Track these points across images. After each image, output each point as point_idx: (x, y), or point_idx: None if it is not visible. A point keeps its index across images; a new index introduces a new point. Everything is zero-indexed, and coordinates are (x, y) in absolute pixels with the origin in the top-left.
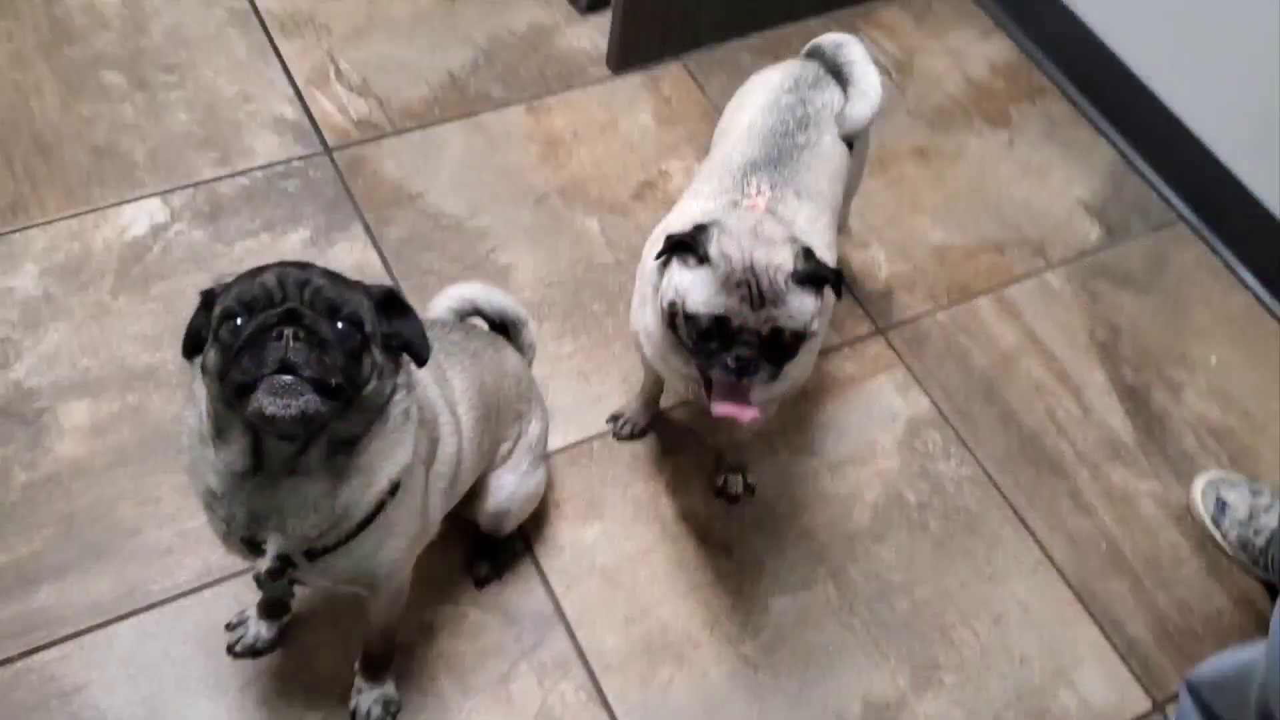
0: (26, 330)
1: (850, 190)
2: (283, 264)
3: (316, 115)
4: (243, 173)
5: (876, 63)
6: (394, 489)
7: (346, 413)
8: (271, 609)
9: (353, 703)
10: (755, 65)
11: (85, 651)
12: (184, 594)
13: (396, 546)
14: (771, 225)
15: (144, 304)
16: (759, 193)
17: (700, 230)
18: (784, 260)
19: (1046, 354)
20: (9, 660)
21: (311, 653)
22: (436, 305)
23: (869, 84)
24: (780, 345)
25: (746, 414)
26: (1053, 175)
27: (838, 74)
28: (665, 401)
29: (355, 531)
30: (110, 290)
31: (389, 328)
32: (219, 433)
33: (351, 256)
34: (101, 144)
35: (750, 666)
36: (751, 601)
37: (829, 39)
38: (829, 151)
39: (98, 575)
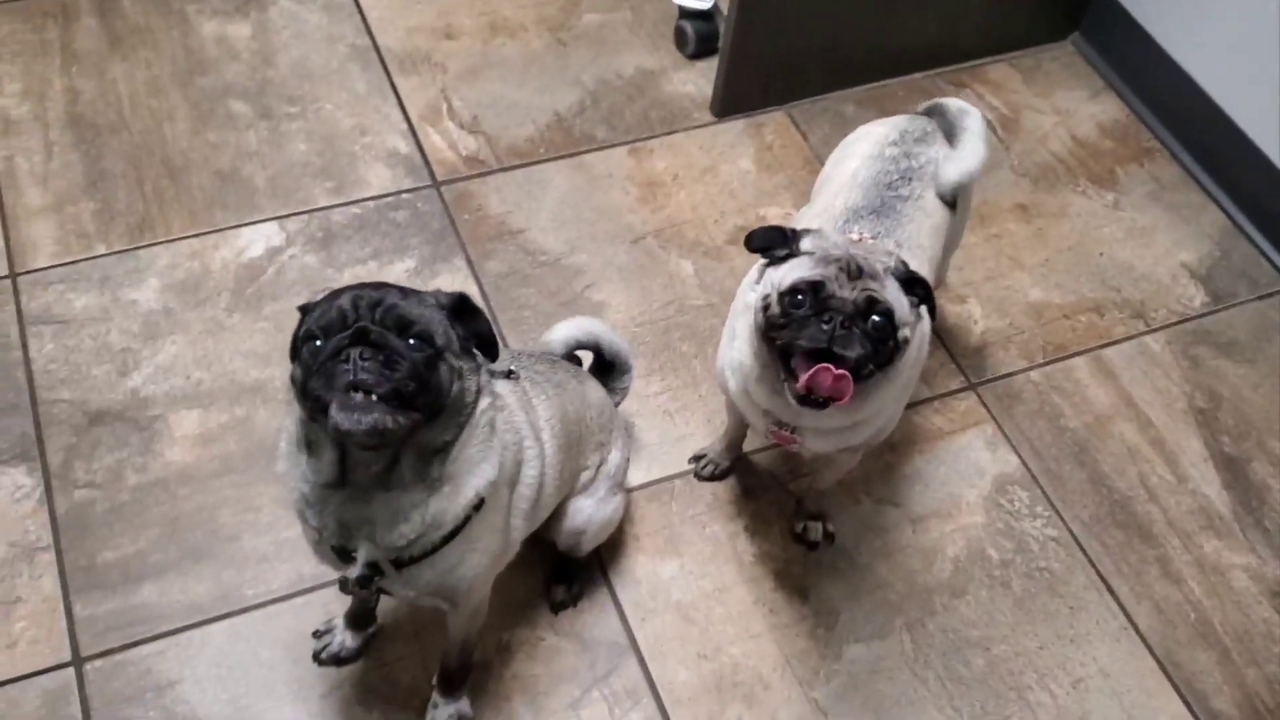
0: (146, 341)
1: (950, 246)
2: (361, 285)
3: (428, 150)
4: (355, 202)
5: (987, 124)
6: (479, 504)
7: (434, 421)
8: (358, 620)
9: (429, 717)
10: (859, 117)
11: (180, 649)
12: (276, 600)
13: (478, 562)
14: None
15: (256, 322)
16: (859, 239)
17: (801, 230)
18: (882, 258)
19: (1142, 418)
20: (110, 652)
21: (393, 665)
22: (558, 331)
23: (970, 151)
24: (874, 321)
25: (829, 381)
26: (1158, 238)
27: (952, 137)
28: (748, 445)
29: (441, 544)
30: (225, 307)
31: (464, 330)
32: (310, 445)
33: (453, 287)
34: (226, 169)
35: (820, 711)
36: (825, 647)
37: (954, 103)
38: (932, 206)
39: (196, 577)
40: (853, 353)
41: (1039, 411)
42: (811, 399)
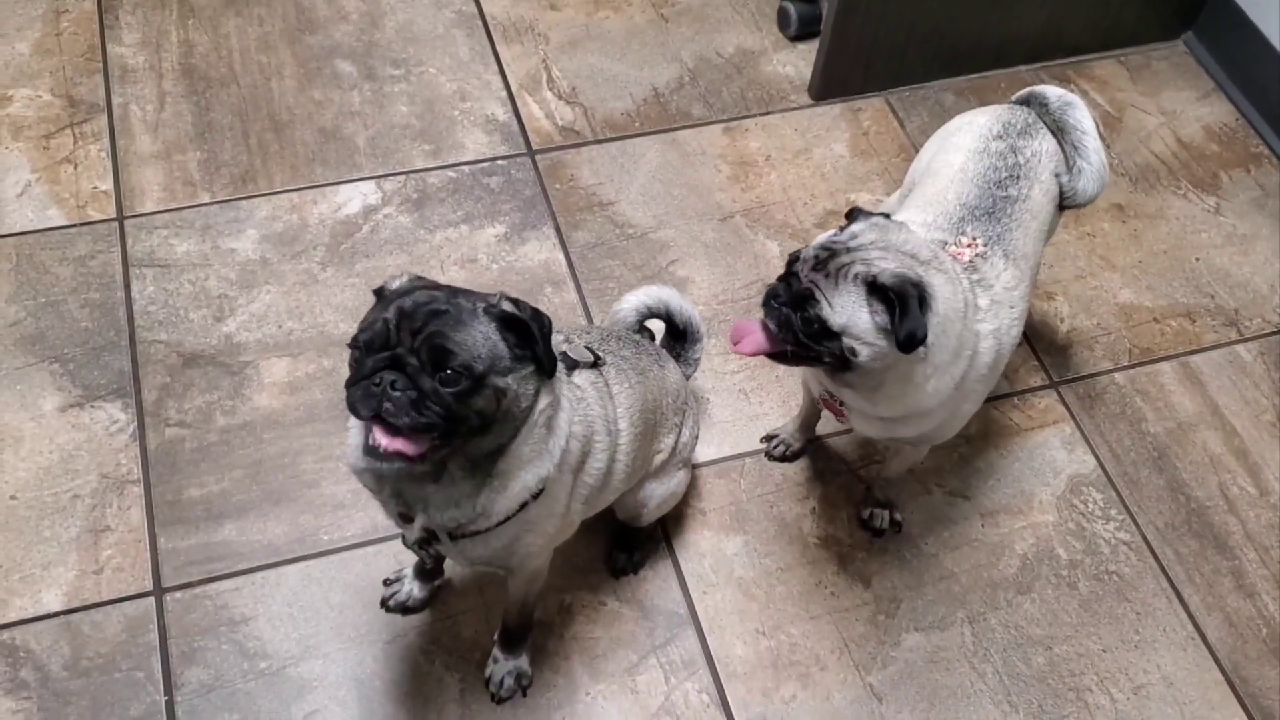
0: (242, 289)
1: (1048, 240)
2: (417, 289)
3: (525, 118)
4: (451, 166)
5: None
6: (535, 495)
7: (481, 434)
8: (426, 572)
9: (488, 671)
10: (959, 107)
11: (256, 587)
12: (350, 547)
13: (533, 541)
14: (913, 243)
15: (348, 278)
16: (970, 245)
17: (891, 217)
18: (880, 266)
19: (1227, 428)
20: (189, 585)
21: (457, 618)
22: (629, 300)
23: (1098, 160)
24: (803, 316)
25: (741, 338)
26: (1258, 246)
27: (1061, 133)
28: (821, 429)
29: (494, 526)
30: (320, 261)
31: (519, 344)
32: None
33: (540, 255)
34: (328, 127)
35: (875, 697)
36: (884, 633)
37: (1054, 93)
38: (1037, 206)
39: (275, 519)
40: (783, 335)
41: (1120, 414)
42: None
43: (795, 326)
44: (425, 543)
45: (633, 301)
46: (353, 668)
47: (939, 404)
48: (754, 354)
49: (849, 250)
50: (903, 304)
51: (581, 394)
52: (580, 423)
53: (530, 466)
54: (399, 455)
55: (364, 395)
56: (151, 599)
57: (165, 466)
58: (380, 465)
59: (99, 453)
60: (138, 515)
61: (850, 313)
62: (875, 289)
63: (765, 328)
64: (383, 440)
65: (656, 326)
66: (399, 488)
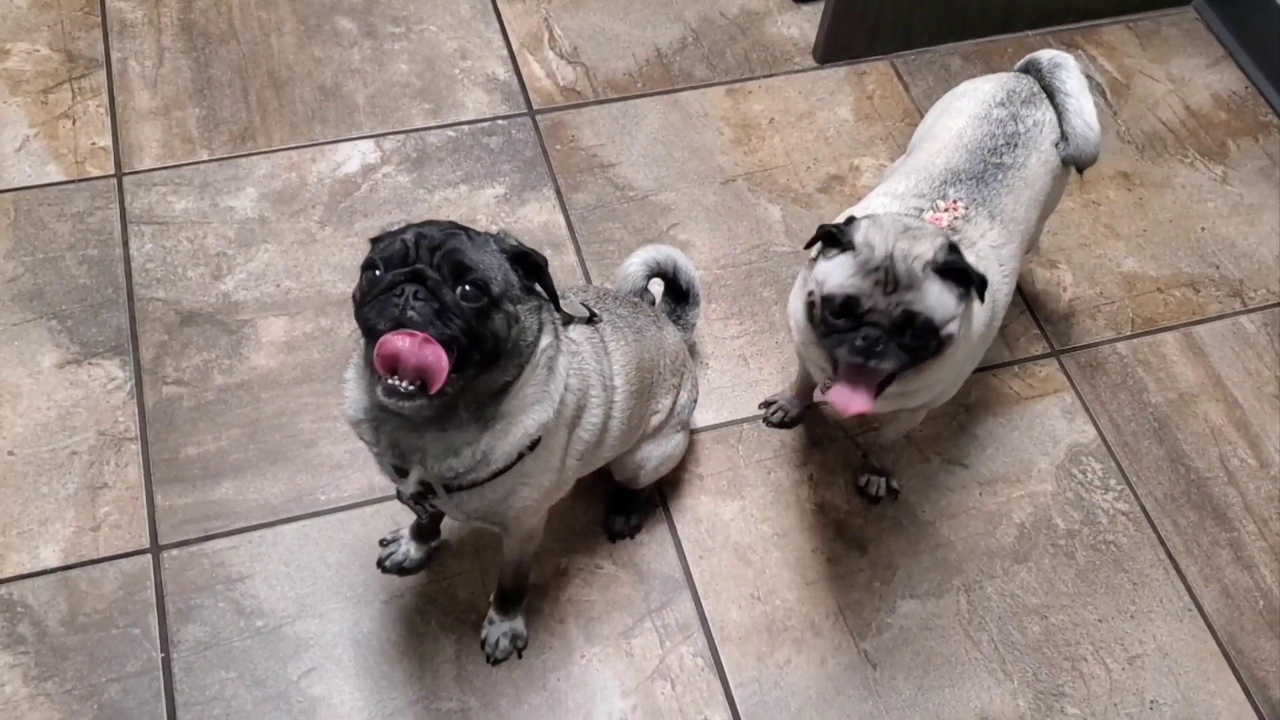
0: (240, 248)
1: (1047, 211)
2: (429, 223)
3: (526, 78)
4: (451, 125)
5: (1090, 79)
6: (534, 444)
7: (492, 366)
8: (422, 532)
9: (484, 632)
10: (965, 72)
11: (253, 546)
12: (347, 507)
13: (528, 495)
14: (926, 225)
15: (346, 237)
16: (950, 208)
17: (850, 220)
18: (926, 250)
19: (1229, 399)
20: (186, 543)
21: (453, 579)
22: (636, 257)
23: (1080, 123)
24: (912, 333)
25: (856, 404)
26: (1264, 216)
27: (1050, 95)
28: (819, 394)
29: (491, 477)
30: (318, 220)
31: (525, 274)
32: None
33: (540, 217)
34: (328, 85)
35: (869, 663)
36: (879, 600)
37: (1046, 55)
38: (1033, 174)
39: (273, 478)
40: (888, 366)
41: (1121, 384)
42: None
43: (901, 351)
44: (421, 497)
45: (643, 257)
46: (349, 627)
47: (952, 370)
48: (867, 410)
49: (903, 254)
50: (964, 264)
51: (577, 348)
52: (576, 375)
53: (532, 410)
54: (420, 391)
55: (383, 308)
56: (148, 556)
57: (163, 424)
58: (402, 405)
59: (97, 410)
60: (135, 473)
61: (942, 301)
62: (940, 270)
63: (856, 382)
64: (405, 342)
65: (656, 289)
66: (396, 438)
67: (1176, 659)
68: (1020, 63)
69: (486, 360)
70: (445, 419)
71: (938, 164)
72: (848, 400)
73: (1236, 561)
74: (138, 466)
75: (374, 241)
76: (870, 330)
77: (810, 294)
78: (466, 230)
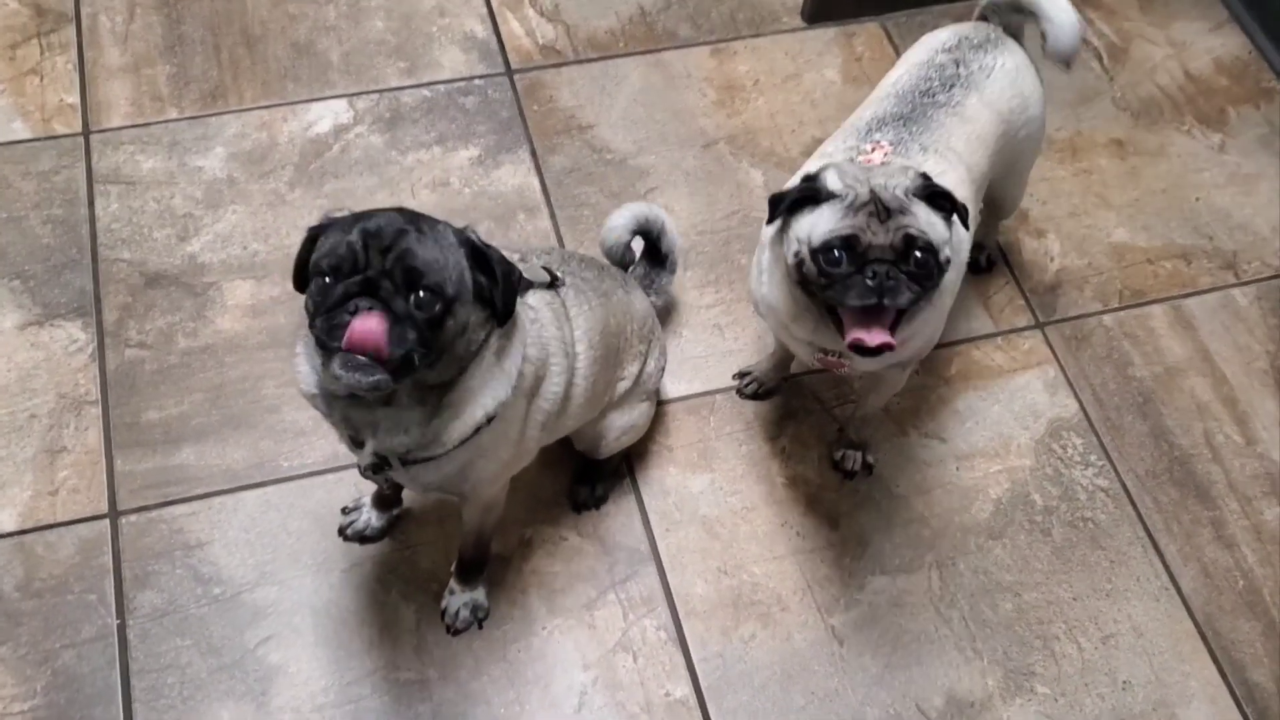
0: (208, 209)
1: (1022, 166)
2: (376, 213)
3: (504, 36)
4: (426, 85)
5: (1086, 44)
6: (489, 419)
7: (432, 367)
8: (384, 501)
9: (444, 602)
10: None
11: (213, 512)
12: (309, 475)
13: (486, 467)
14: (889, 163)
15: (316, 199)
16: (876, 148)
17: (810, 177)
18: (902, 180)
19: (1217, 374)
20: (145, 508)
21: (415, 549)
22: (622, 213)
23: (1059, 8)
24: (917, 260)
25: (877, 337)
26: (1262, 186)
27: (1020, 11)
28: (796, 367)
29: (446, 452)
30: (288, 182)
31: (481, 276)
32: (324, 356)
33: (514, 180)
34: (302, 42)
35: (836, 639)
36: (849, 576)
37: None
38: (971, 114)
39: (235, 444)
40: (904, 300)
41: (1106, 358)
42: (863, 348)
43: (909, 279)
44: (378, 468)
45: (631, 211)
46: (308, 595)
47: (937, 309)
48: (885, 342)
49: (882, 186)
50: (942, 187)
51: (536, 315)
52: (535, 345)
53: (479, 398)
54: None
55: (334, 326)
56: (106, 521)
57: (124, 388)
58: (361, 380)
59: (57, 372)
60: (95, 437)
61: (933, 223)
62: (920, 196)
63: (876, 315)
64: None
65: (637, 247)
66: (347, 413)
67: (1151, 639)
68: (979, 7)
69: (429, 363)
70: (390, 399)
71: (865, 116)
72: (869, 335)
73: (1217, 540)
74: (98, 430)
75: (317, 232)
76: (877, 266)
77: (797, 254)
78: (418, 221)
